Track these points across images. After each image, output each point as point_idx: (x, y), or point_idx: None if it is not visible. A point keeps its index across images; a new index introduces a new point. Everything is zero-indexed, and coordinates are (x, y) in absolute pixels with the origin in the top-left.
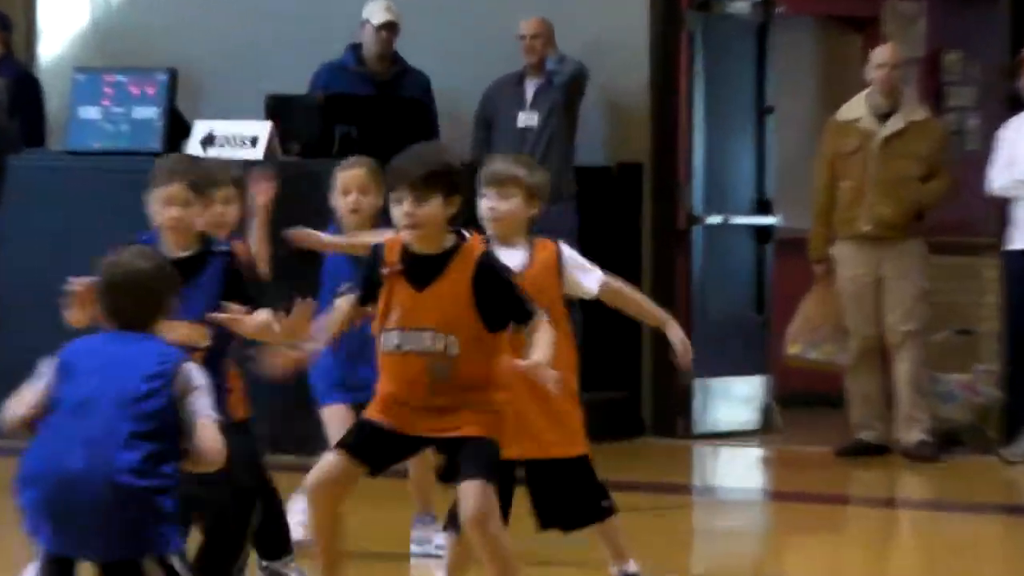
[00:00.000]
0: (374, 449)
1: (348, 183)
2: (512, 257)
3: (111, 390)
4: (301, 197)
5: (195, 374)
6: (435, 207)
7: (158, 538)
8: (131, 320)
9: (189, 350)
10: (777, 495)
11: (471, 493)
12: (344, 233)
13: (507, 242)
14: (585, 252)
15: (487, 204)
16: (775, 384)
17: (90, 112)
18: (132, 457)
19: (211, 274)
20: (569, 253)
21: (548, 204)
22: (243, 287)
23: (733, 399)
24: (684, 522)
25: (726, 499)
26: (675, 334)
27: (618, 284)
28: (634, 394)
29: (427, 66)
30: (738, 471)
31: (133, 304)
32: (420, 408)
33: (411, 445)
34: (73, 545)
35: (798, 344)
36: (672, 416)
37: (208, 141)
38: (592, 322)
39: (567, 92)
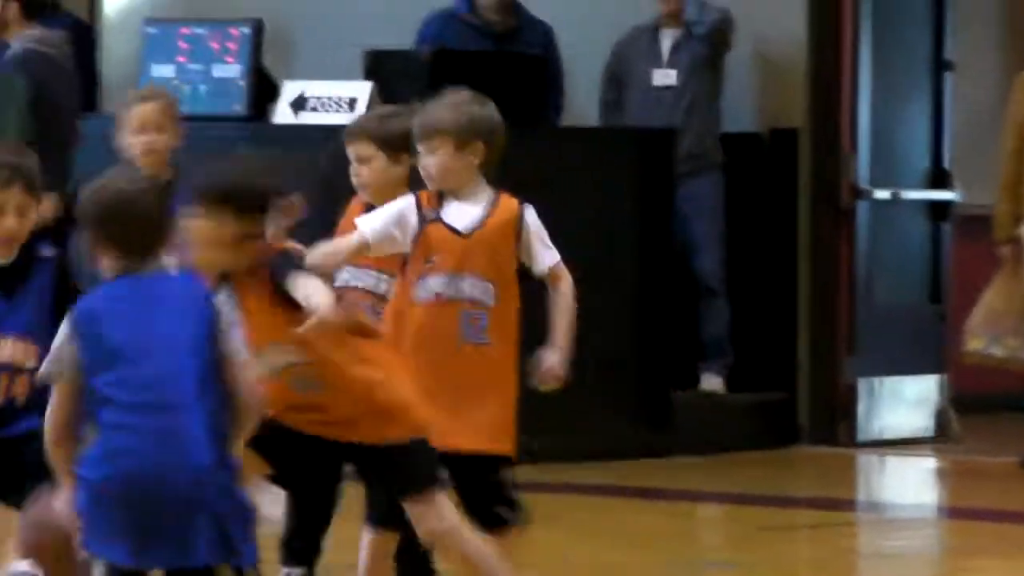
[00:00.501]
0: None
1: (144, 120)
2: (464, 213)
3: (166, 353)
4: None
5: (225, 304)
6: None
7: (243, 542)
8: (143, 252)
9: (14, 371)
10: (953, 512)
11: None
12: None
13: (461, 196)
14: (733, 230)
15: (420, 162)
16: (952, 385)
17: (163, 70)
18: (209, 438)
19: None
20: (533, 219)
21: (690, 175)
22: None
23: (903, 402)
24: (846, 542)
25: (894, 516)
26: (551, 357)
27: (565, 281)
28: (790, 396)
29: (550, 15)
30: (908, 484)
31: (141, 232)
32: None
33: None
34: (150, 554)
35: (979, 339)
36: (833, 421)
37: (299, 104)
38: (742, 315)
39: (710, 46)
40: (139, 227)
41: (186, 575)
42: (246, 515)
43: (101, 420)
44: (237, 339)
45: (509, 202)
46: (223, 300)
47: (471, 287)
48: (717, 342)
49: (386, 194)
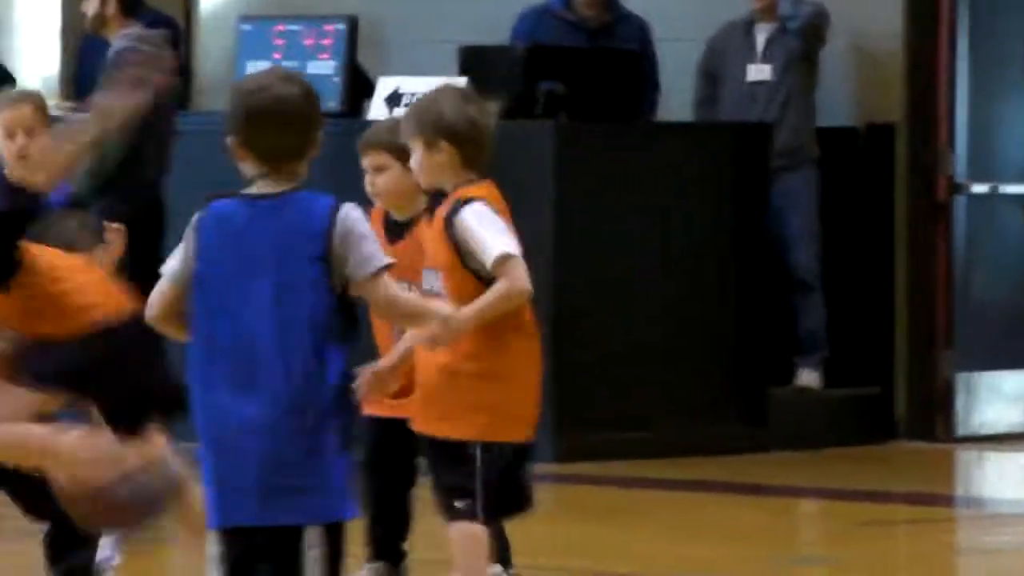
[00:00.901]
0: None
1: (11, 124)
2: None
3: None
4: (499, 162)
5: (354, 214)
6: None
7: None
8: (280, 159)
9: None
10: None
11: None
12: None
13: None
14: (829, 225)
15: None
16: None
17: (258, 67)
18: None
19: None
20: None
21: (785, 170)
22: None
23: (1001, 397)
24: (945, 538)
25: (994, 512)
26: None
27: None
28: (886, 391)
29: (643, 10)
30: (1008, 479)
31: (283, 138)
32: None
33: None
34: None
35: None
36: (930, 416)
37: (394, 100)
38: (839, 310)
39: (804, 40)
40: (285, 135)
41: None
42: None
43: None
44: (366, 252)
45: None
46: (351, 214)
47: None
48: (813, 337)
49: (402, 202)
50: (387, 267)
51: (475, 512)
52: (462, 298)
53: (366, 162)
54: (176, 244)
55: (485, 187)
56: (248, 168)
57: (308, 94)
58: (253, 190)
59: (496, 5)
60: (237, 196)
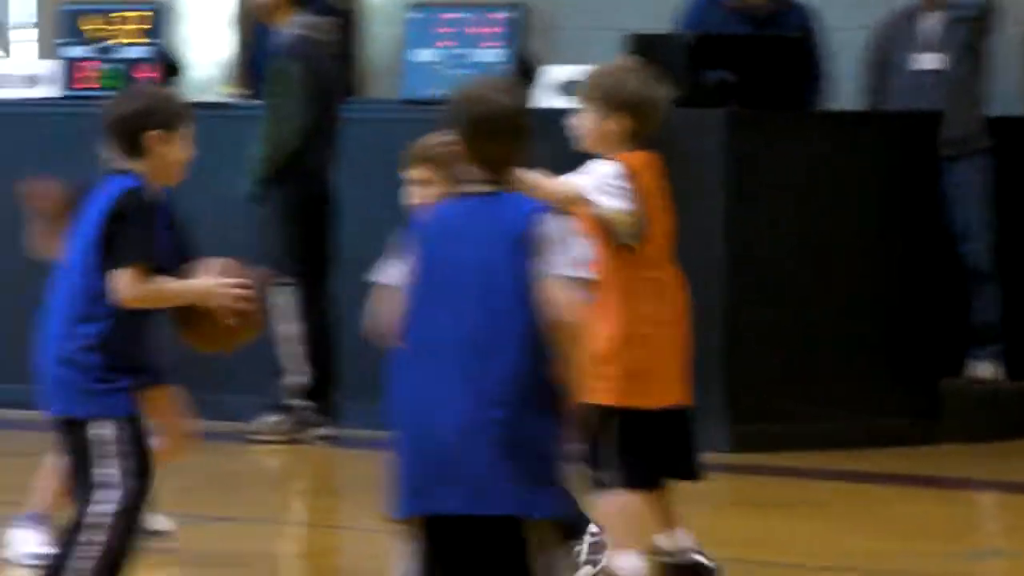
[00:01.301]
0: None
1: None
2: None
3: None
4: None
5: (554, 221)
6: None
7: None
8: (497, 164)
9: None
10: None
11: None
12: None
13: None
14: (1004, 214)
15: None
16: None
17: (425, 55)
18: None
19: None
20: None
21: (956, 160)
22: None
23: None
24: None
25: None
26: None
27: None
28: None
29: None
30: None
31: (500, 147)
32: None
33: None
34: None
35: None
36: None
37: (561, 87)
38: (1015, 301)
39: (973, 30)
40: (502, 144)
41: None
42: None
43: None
44: (559, 259)
45: None
46: (551, 220)
47: None
48: (989, 328)
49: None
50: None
51: (622, 480)
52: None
53: (412, 174)
54: (344, 230)
55: (641, 156)
56: (467, 169)
57: (523, 105)
58: (469, 188)
59: None
60: (454, 196)
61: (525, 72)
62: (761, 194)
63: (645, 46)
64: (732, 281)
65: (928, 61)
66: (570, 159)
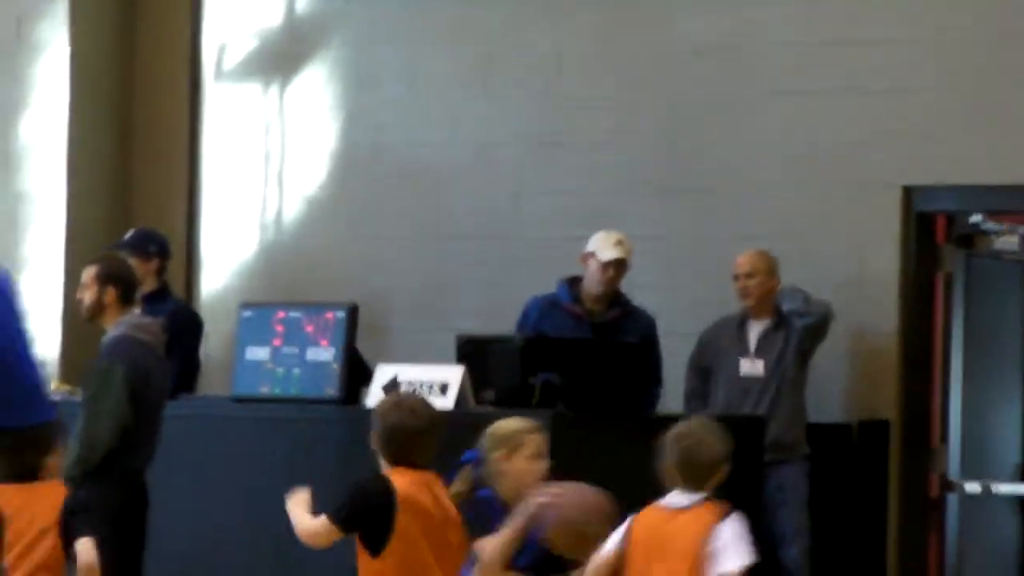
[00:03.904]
0: None
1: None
2: None
3: None
4: None
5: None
6: None
7: None
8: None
9: None
10: None
11: None
12: None
13: None
14: (819, 521)
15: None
16: None
17: (257, 353)
18: None
19: None
20: None
21: (777, 464)
22: None
23: None
24: None
25: None
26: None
27: None
28: None
29: (650, 304)
30: None
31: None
32: None
33: None
34: None
35: None
36: None
37: (392, 387)
38: None
39: (810, 338)
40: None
41: None
42: None
43: None
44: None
45: None
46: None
47: None
48: None
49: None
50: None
51: None
52: None
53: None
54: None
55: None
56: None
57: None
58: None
59: (498, 295)
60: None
61: (356, 371)
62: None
63: (474, 347)
64: None
65: (754, 367)
66: None
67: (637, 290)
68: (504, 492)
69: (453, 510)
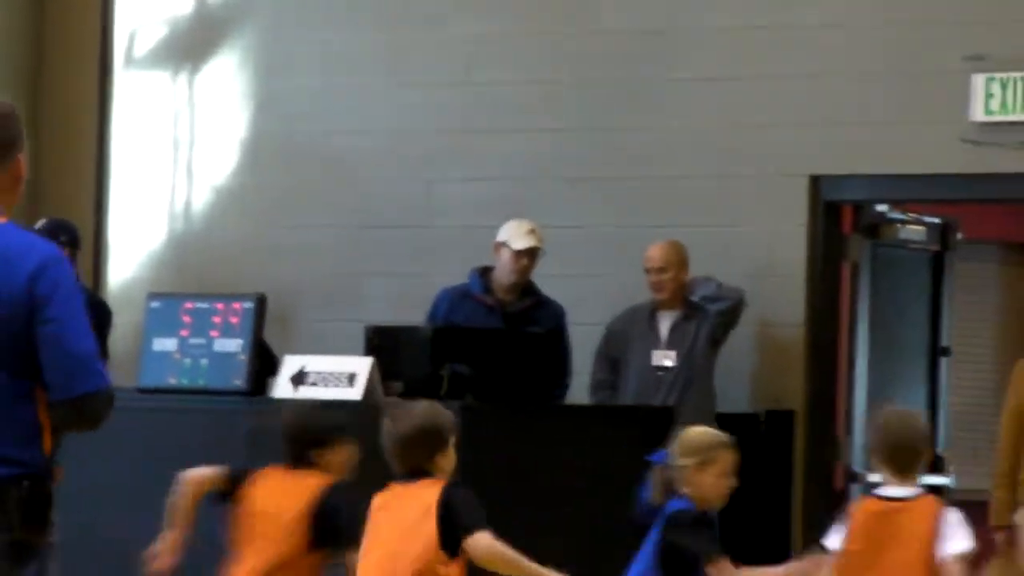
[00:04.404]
0: None
1: None
2: None
3: None
4: None
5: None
6: None
7: None
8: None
9: None
10: None
11: None
12: None
13: None
14: (726, 511)
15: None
16: None
17: (165, 344)
18: None
19: None
20: None
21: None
22: None
23: None
24: None
25: None
26: None
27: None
28: None
29: (561, 294)
30: None
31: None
32: None
33: None
34: None
35: None
36: None
37: (299, 379)
38: None
39: (722, 325)
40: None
41: None
42: None
43: None
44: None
45: None
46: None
47: None
48: None
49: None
50: None
51: None
52: None
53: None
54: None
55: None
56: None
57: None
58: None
59: (410, 285)
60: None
61: (264, 362)
62: (495, 485)
63: (384, 338)
64: None
65: (664, 357)
66: None
67: (548, 280)
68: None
69: None
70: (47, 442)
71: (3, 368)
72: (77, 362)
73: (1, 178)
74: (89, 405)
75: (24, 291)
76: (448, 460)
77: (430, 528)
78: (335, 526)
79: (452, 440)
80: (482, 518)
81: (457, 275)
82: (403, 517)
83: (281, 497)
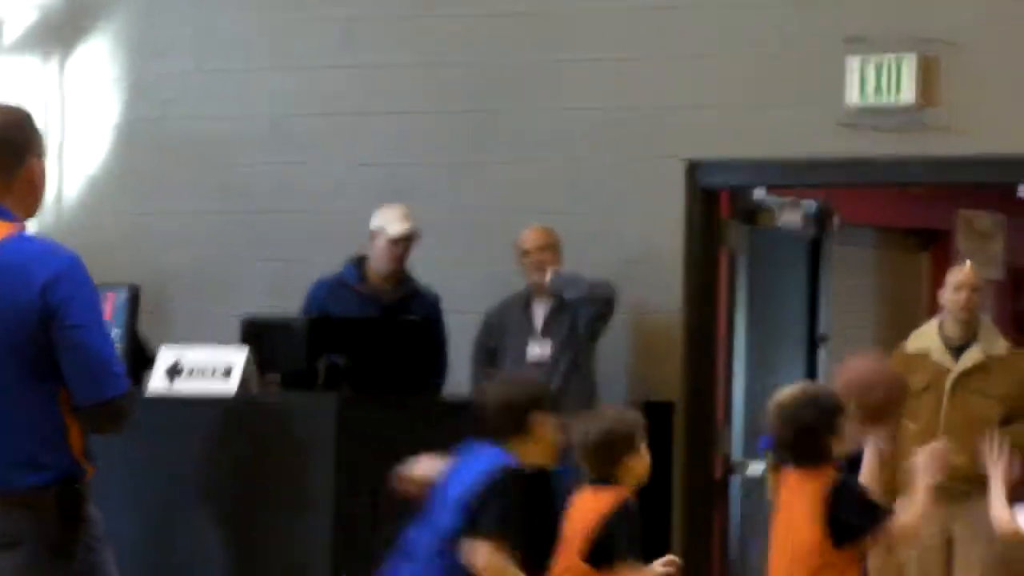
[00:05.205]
0: None
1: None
2: None
3: None
4: (276, 435)
5: None
6: None
7: None
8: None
9: None
10: None
11: None
12: None
13: None
14: None
15: None
16: None
17: None
18: None
19: None
20: None
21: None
22: None
23: None
24: None
25: None
26: None
27: None
28: None
29: (438, 281)
30: None
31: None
32: None
33: None
34: None
35: None
36: None
37: (174, 371)
38: None
39: (591, 316)
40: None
41: None
42: None
43: None
44: None
45: None
46: None
47: None
48: None
49: None
50: None
51: None
52: None
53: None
54: None
55: None
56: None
57: None
58: None
59: (289, 273)
60: None
61: (139, 352)
62: (373, 475)
63: (259, 329)
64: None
65: (540, 347)
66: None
67: (424, 266)
68: None
69: None
70: (76, 443)
71: (26, 375)
72: (102, 367)
73: (13, 184)
74: (116, 409)
75: (37, 300)
76: (640, 463)
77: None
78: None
79: (642, 444)
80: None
81: (336, 262)
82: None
83: None
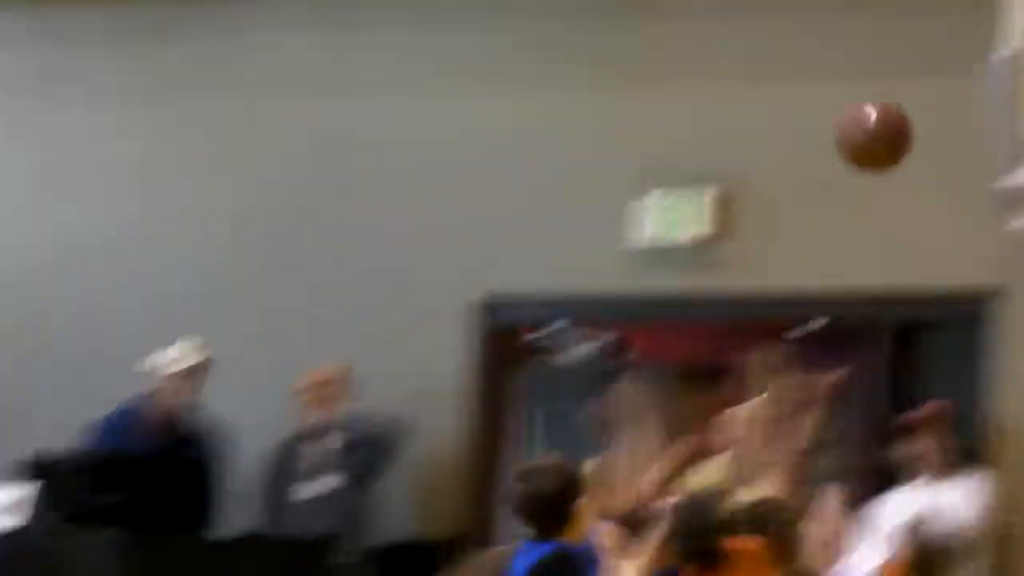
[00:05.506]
0: None
1: None
2: None
3: None
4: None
5: None
6: None
7: None
8: None
9: None
10: None
11: None
12: None
13: None
14: None
15: None
16: None
17: None
18: None
19: None
20: None
21: None
22: None
23: None
24: None
25: None
26: None
27: None
28: None
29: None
30: None
31: None
32: None
33: None
34: None
35: None
36: None
37: None
38: None
39: (377, 453)
40: None
41: None
42: None
43: None
44: None
45: None
46: None
47: None
48: None
49: None
50: None
51: None
52: None
53: None
54: None
55: None
56: None
57: None
58: None
59: (82, 406)
60: None
61: None
62: None
63: (47, 465)
64: None
65: (321, 485)
66: None
67: (214, 401)
68: None
69: None
70: None
71: None
72: None
73: None
74: None
75: None
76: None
77: None
78: None
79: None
80: None
81: (126, 395)
82: None
83: None
